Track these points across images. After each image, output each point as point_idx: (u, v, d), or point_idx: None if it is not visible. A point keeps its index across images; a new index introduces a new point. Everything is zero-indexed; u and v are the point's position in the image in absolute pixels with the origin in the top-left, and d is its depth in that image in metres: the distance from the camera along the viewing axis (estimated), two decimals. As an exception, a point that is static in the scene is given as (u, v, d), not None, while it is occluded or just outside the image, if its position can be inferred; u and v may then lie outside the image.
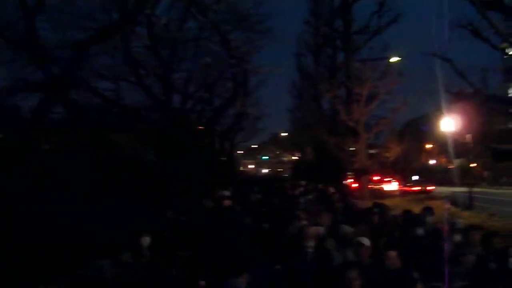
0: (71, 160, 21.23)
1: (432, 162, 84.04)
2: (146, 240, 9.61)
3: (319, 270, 7.46)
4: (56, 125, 24.02)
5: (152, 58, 26.35)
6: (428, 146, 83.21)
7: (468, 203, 28.44)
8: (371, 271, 7.04)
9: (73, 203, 15.58)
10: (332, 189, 24.92)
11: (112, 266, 7.72)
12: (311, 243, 8.72)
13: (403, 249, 7.76)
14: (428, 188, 51.08)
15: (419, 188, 51.12)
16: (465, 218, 19.88)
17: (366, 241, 8.01)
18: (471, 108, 24.91)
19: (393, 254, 7.29)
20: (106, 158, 21.91)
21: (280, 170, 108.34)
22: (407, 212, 13.14)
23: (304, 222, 10.95)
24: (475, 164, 49.74)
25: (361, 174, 34.61)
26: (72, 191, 16.79)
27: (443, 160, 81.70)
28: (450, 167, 75.94)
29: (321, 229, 9.65)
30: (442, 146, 69.87)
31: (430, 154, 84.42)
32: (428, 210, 12.54)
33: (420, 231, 9.89)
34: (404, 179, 56.24)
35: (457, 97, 24.90)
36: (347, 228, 9.62)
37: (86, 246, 9.68)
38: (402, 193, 44.75)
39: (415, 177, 60.46)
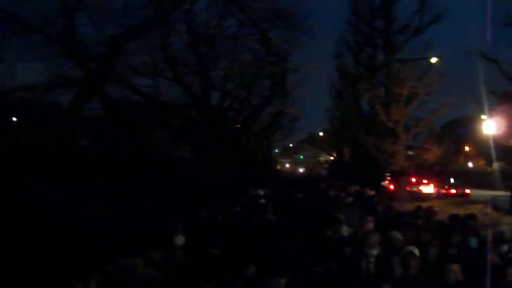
0: (106, 156, 21.31)
1: (470, 164, 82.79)
2: (180, 239, 9.47)
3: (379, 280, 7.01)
4: (94, 121, 24.20)
5: (191, 55, 26.31)
6: (467, 148, 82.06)
7: (509, 208, 27.78)
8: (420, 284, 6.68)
9: (107, 199, 15.58)
10: (371, 191, 24.43)
11: (144, 265, 7.58)
12: (374, 251, 8.12)
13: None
14: (465, 191, 50.31)
15: (457, 191, 50.37)
16: (507, 223, 19.36)
17: (416, 251, 7.55)
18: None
19: (456, 268, 6.81)
20: (141, 155, 21.91)
21: (317, 170, 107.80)
22: (453, 217, 12.50)
23: (344, 226, 10.56)
24: (513, 168, 48.75)
25: (399, 176, 34.11)
26: (106, 187, 16.80)
27: (482, 163, 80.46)
28: (489, 170, 74.82)
29: (378, 236, 8.94)
30: (481, 148, 68.82)
31: (469, 156, 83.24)
32: (471, 217, 11.96)
33: (473, 242, 9.29)
34: (441, 182, 55.37)
35: (502, 99, 24.33)
36: (397, 235, 9.10)
37: (118, 243, 9.58)
38: (439, 196, 44.00)
39: (452, 180, 59.52)
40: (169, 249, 8.91)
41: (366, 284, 6.89)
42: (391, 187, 37.00)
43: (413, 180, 46.92)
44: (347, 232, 10.39)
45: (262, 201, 17.29)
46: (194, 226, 11.40)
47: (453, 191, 50.05)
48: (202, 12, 25.63)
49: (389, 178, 39.02)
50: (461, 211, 22.07)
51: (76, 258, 8.69)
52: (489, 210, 24.74)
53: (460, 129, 74.52)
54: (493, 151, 41.62)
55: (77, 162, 19.57)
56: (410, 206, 21.58)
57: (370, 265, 7.77)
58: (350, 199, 18.41)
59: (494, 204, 28.96)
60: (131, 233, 11.21)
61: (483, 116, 37.99)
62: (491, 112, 28.04)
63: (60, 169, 17.27)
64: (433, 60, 33.87)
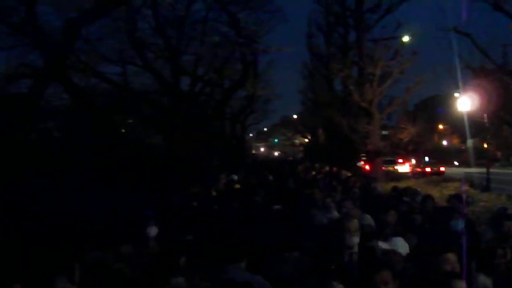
0: (78, 145, 20.90)
1: (444, 142, 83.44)
2: (153, 230, 9.06)
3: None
4: (64, 112, 23.77)
5: (160, 40, 25.82)
6: (441, 126, 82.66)
7: (485, 185, 27.76)
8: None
9: (79, 190, 15.18)
10: (347, 173, 24.16)
11: (114, 259, 7.17)
12: (355, 239, 7.37)
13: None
14: (440, 169, 50.64)
15: (432, 169, 50.72)
16: (485, 200, 19.29)
17: (402, 246, 6.89)
18: (489, 85, 24.15)
19: (452, 257, 6.20)
20: (111, 143, 21.50)
21: (292, 153, 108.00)
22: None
23: (335, 213, 9.92)
24: (487, 145, 49.25)
25: (374, 156, 33.96)
26: (76, 177, 16.40)
27: (456, 140, 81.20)
28: (463, 147, 75.61)
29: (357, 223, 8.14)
30: (455, 126, 69.30)
31: (443, 134, 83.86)
32: (457, 198, 11.24)
33: (460, 224, 8.55)
34: (417, 160, 55.70)
35: (478, 74, 24.20)
36: (368, 219, 8.50)
37: (88, 236, 9.15)
38: (415, 175, 44.14)
39: (427, 158, 59.97)
40: (142, 240, 8.52)
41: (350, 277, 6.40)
42: (367, 167, 36.89)
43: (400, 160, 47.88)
44: (325, 218, 9.81)
45: (237, 185, 17.04)
46: (168, 214, 11.07)
47: (428, 169, 50.37)
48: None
49: (364, 158, 38.89)
50: (438, 190, 22.00)
51: (42, 254, 8.29)
52: (466, 187, 24.70)
53: (435, 108, 74.97)
54: (467, 128, 41.75)
55: (48, 152, 19.15)
56: (387, 186, 21.44)
57: (353, 256, 7.14)
58: (335, 183, 17.91)
59: (470, 181, 28.98)
60: (103, 224, 10.85)
61: (456, 94, 38.01)
62: (466, 88, 27.90)
63: (32, 159, 16.89)
64: (405, 38, 33.68)
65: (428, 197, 11.66)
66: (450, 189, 23.74)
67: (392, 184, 21.77)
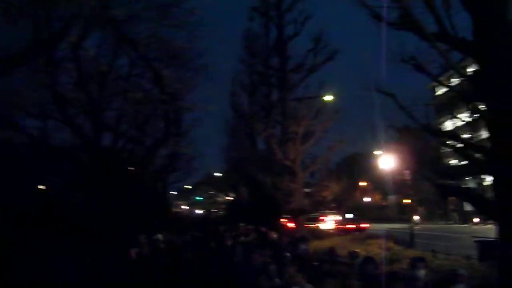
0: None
1: (366, 199, 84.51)
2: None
3: None
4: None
5: (82, 95, 25.17)
6: (362, 183, 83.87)
7: (410, 241, 28.02)
8: None
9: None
10: (274, 233, 23.62)
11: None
12: None
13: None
14: (362, 225, 50.94)
15: (355, 226, 50.90)
16: (410, 258, 19.29)
17: None
18: (412, 144, 24.68)
19: None
20: (25, 200, 20.67)
21: (215, 211, 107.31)
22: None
23: (277, 280, 9.34)
24: (409, 201, 50.05)
25: (298, 214, 33.88)
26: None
27: (378, 197, 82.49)
28: (385, 204, 76.82)
29: None
30: (376, 183, 70.44)
31: (365, 191, 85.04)
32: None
33: None
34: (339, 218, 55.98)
35: (402, 133, 24.67)
36: None
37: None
38: (338, 232, 44.27)
39: (349, 215, 60.31)
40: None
41: None
42: (290, 225, 36.71)
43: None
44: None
45: (162, 246, 16.58)
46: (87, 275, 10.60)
47: (351, 226, 50.58)
48: (92, 48, 24.60)
49: (288, 216, 38.75)
50: (363, 248, 21.98)
51: None
52: (390, 244, 24.79)
53: (356, 165, 76.22)
54: (388, 185, 42.41)
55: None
56: (313, 245, 21.24)
57: None
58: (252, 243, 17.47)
59: (394, 237, 29.18)
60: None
61: (377, 152, 38.67)
62: (388, 147, 28.33)
63: None
64: (327, 98, 34.08)
65: (369, 260, 10.91)
66: (375, 246, 23.81)
67: (316, 242, 21.56)
